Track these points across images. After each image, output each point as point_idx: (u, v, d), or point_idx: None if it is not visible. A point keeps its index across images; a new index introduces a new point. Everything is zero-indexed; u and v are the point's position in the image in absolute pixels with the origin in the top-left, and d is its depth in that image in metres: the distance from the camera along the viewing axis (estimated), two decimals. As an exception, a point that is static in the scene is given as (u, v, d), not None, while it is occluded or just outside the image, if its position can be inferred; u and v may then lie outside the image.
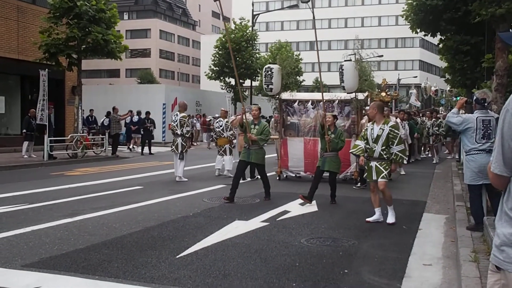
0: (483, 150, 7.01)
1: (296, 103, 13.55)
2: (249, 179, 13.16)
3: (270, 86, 13.02)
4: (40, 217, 8.10)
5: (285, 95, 13.79)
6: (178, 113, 13.23)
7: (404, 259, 5.97)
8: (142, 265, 5.50)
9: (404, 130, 15.73)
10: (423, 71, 74.19)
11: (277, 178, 13.40)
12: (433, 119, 20.86)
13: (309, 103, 13.47)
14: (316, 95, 14.69)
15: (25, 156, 18.35)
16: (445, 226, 8.04)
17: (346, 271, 5.45)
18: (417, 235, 7.32)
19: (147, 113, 23.66)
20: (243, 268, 5.43)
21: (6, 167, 15.79)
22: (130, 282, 4.95)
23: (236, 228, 7.46)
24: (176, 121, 13.06)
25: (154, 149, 23.84)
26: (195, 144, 30.16)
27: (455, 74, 21.44)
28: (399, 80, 55.20)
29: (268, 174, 13.92)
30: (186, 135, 13.12)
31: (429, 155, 21.09)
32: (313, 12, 10.83)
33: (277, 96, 13.52)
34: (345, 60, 12.49)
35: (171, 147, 13.28)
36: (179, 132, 12.96)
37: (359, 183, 12.08)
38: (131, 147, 25.15)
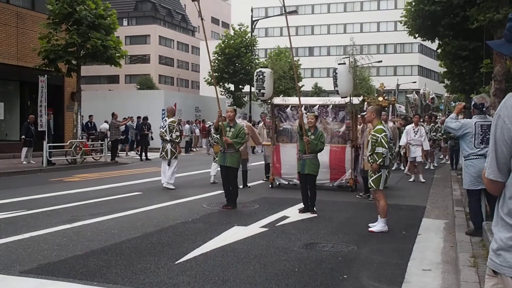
0: (481, 155, 7.01)
1: (289, 108, 13.02)
2: (240, 186, 12.58)
3: (261, 91, 12.60)
4: (39, 223, 8.08)
5: (277, 100, 13.37)
6: (166, 118, 12.92)
7: (403, 264, 5.97)
8: (141, 271, 5.49)
9: (417, 135, 15.12)
10: (422, 77, 74.35)
11: (270, 186, 13.01)
12: (431, 124, 20.80)
13: (303, 108, 13.07)
14: (309, 100, 14.28)
15: (24, 162, 18.33)
16: (444, 231, 8.04)
17: (345, 276, 5.44)
18: (416, 240, 7.31)
19: (144, 118, 23.62)
20: (242, 274, 5.42)
21: (5, 173, 15.77)
22: (129, 288, 4.95)
23: (235, 233, 7.45)
24: (164, 126, 12.70)
25: (154, 155, 23.82)
26: (194, 150, 30.18)
27: (453, 79, 21.51)
28: (398, 85, 55.35)
29: (258, 182, 13.88)
30: (176, 140, 12.71)
31: (428, 160, 20.98)
32: (286, 18, 10.60)
33: (269, 101, 13.10)
34: (339, 64, 12.10)
35: (161, 153, 12.83)
36: (168, 137, 12.56)
37: (362, 193, 11.51)
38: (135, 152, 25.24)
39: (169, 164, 12.67)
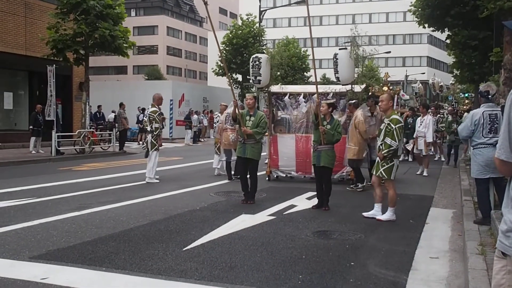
0: (490, 144, 6.96)
1: (286, 97, 12.28)
2: (232, 179, 12.19)
3: (258, 78, 11.83)
4: (48, 210, 8.14)
5: (275, 88, 12.60)
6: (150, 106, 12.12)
7: (411, 252, 5.96)
8: (149, 257, 5.52)
9: (425, 126, 14.14)
10: (431, 68, 73.90)
11: (267, 178, 12.26)
12: (437, 115, 20.44)
13: (301, 96, 12.19)
14: (308, 88, 13.46)
15: (33, 152, 18.44)
16: (452, 220, 8.02)
17: (352, 263, 5.44)
18: (424, 229, 7.29)
19: None
20: (249, 261, 5.44)
21: (14, 162, 15.88)
22: (137, 274, 4.97)
23: (243, 221, 7.47)
24: (146, 116, 12.06)
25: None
26: (202, 140, 30.26)
27: (463, 69, 21.38)
28: (406, 76, 55.03)
29: (264, 172, 13.44)
30: (155, 132, 11.71)
31: (438, 152, 20.68)
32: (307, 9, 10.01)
33: (266, 89, 12.33)
34: (339, 49, 11.45)
35: (142, 144, 12.26)
36: (148, 128, 11.78)
37: (353, 185, 11.16)
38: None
39: (146, 156, 11.98)
